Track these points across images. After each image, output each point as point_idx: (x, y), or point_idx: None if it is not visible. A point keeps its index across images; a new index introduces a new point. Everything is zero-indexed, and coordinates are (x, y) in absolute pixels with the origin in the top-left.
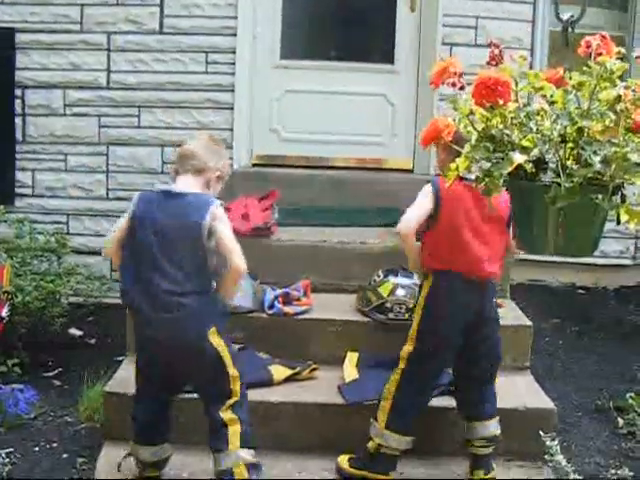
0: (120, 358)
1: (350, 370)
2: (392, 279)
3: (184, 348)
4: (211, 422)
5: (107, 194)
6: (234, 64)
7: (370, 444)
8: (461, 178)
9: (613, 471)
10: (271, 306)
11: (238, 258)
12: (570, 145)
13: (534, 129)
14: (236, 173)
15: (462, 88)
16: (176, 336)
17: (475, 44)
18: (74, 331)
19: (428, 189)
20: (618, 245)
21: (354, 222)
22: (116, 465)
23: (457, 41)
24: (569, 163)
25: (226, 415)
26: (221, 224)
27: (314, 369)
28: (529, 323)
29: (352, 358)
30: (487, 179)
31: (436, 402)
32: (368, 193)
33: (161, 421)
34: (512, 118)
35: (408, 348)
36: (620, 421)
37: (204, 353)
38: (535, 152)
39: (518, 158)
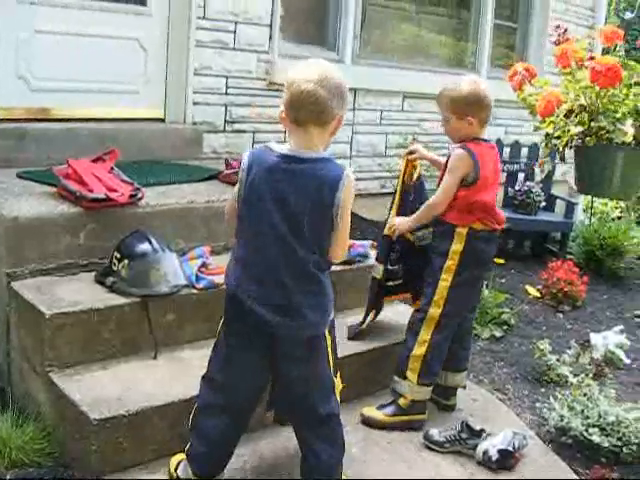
0: None
1: None
2: None
3: None
4: None
5: None
6: None
7: (402, 401)
8: (482, 140)
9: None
10: (197, 279)
11: None
12: None
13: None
14: None
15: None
16: None
17: None
18: None
19: (464, 158)
20: None
21: (177, 180)
22: None
23: None
24: None
25: None
26: None
27: None
28: None
29: None
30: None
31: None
32: (132, 147)
33: None
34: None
35: (435, 311)
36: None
37: None
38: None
39: (629, 129)
